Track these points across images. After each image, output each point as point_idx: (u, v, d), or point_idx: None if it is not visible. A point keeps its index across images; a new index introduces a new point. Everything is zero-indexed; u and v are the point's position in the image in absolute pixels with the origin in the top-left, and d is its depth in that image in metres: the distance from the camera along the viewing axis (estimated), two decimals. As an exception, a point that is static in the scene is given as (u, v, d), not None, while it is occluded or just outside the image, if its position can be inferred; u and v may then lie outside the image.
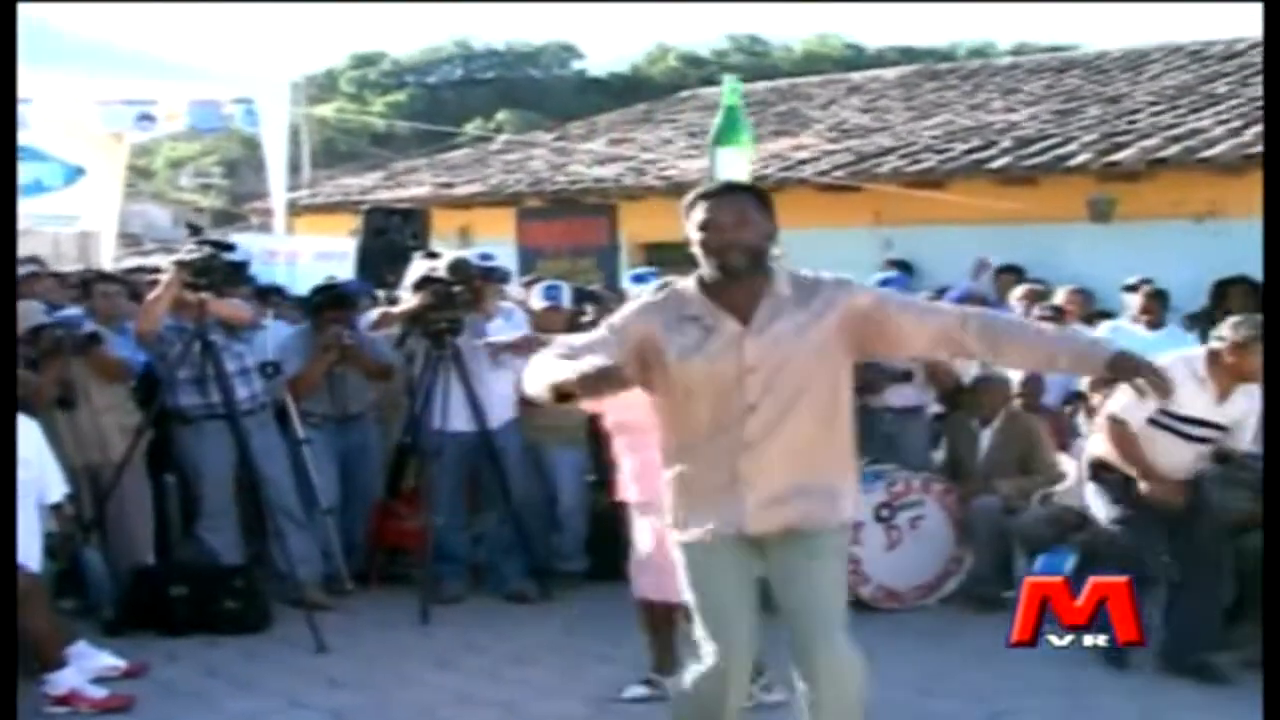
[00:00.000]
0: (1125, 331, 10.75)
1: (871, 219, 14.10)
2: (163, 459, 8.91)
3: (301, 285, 10.47)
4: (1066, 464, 9.16)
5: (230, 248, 8.64)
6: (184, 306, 8.36)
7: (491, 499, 9.13)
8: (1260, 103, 14.85)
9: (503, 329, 9.07)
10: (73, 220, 15.39)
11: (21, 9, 8.32)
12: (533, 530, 9.11)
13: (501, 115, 49.20)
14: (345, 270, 11.30)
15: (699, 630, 4.85)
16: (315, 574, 8.85)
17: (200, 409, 8.55)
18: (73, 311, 8.82)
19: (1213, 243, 12.29)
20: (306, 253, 12.53)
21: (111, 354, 8.55)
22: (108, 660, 7.34)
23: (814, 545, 4.70)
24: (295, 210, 17.28)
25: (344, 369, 9.18)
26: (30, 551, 6.89)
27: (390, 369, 9.39)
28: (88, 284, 9.75)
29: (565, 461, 9.34)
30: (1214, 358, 7.14)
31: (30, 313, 8.19)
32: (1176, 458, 7.25)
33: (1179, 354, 7.28)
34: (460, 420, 8.79)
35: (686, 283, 4.81)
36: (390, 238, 11.56)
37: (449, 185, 19.24)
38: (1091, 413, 9.56)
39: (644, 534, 6.61)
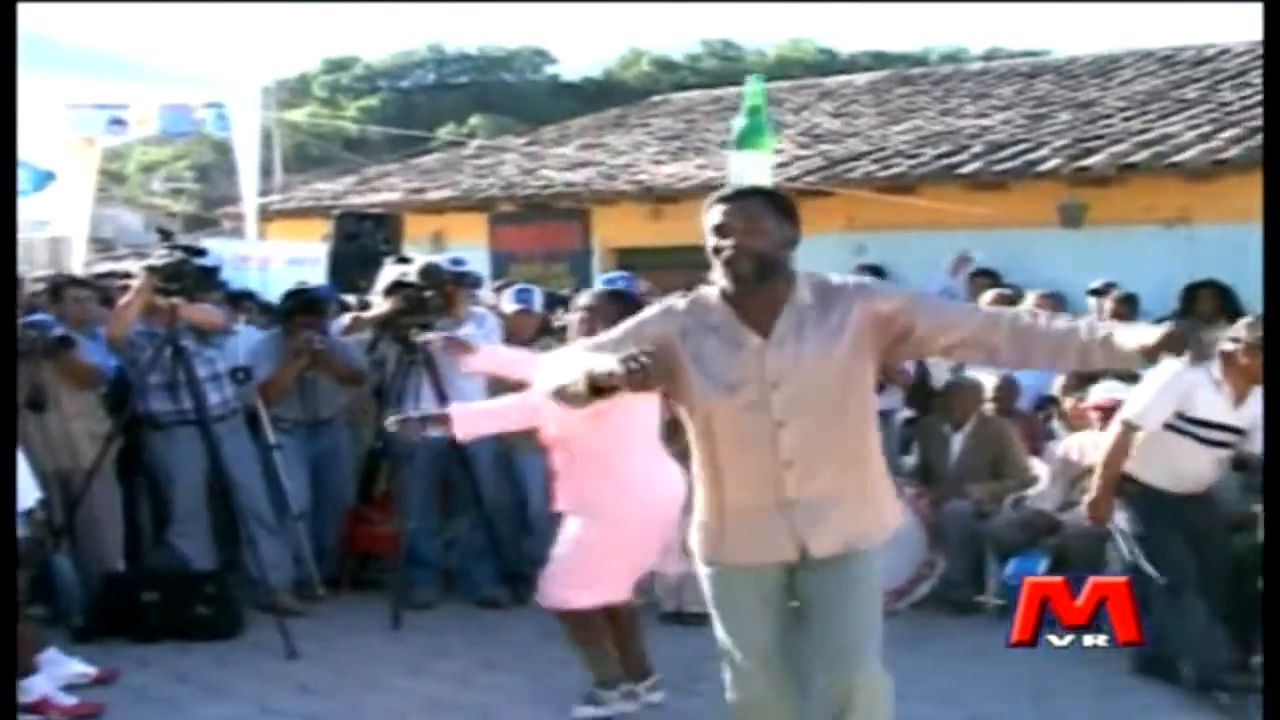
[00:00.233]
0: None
1: (844, 224, 14.12)
2: (134, 465, 8.88)
3: (273, 290, 10.46)
4: (1039, 468, 9.20)
5: (201, 253, 8.62)
6: (155, 312, 8.34)
7: (463, 504, 9.13)
8: (1230, 108, 14.94)
9: (474, 334, 9.05)
10: (43, 225, 15.31)
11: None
12: (504, 535, 9.10)
13: (474, 120, 49.19)
14: (317, 275, 11.28)
15: (725, 659, 4.70)
16: (287, 580, 8.83)
17: (172, 414, 8.53)
18: (44, 317, 8.79)
19: (1183, 248, 12.35)
20: (278, 258, 12.52)
21: (83, 359, 8.52)
22: (78, 667, 7.32)
23: (858, 563, 4.51)
24: (267, 215, 17.25)
25: (315, 374, 9.17)
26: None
27: (361, 374, 9.38)
28: (59, 289, 9.71)
29: (536, 466, 9.27)
30: (1228, 360, 6.93)
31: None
32: (1196, 463, 7.08)
33: (1184, 361, 7.17)
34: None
35: (710, 290, 4.59)
36: (362, 243, 11.54)
37: (421, 190, 19.21)
38: (1064, 417, 9.61)
39: (571, 539, 6.55)
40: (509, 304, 9.79)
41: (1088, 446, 8.88)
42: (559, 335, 9.87)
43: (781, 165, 15.99)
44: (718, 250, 4.49)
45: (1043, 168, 13.69)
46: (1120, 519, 7.22)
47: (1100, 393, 8.92)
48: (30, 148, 14.32)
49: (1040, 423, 9.98)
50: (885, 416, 9.46)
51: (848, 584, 4.48)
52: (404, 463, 8.84)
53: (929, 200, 13.42)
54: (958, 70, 23.56)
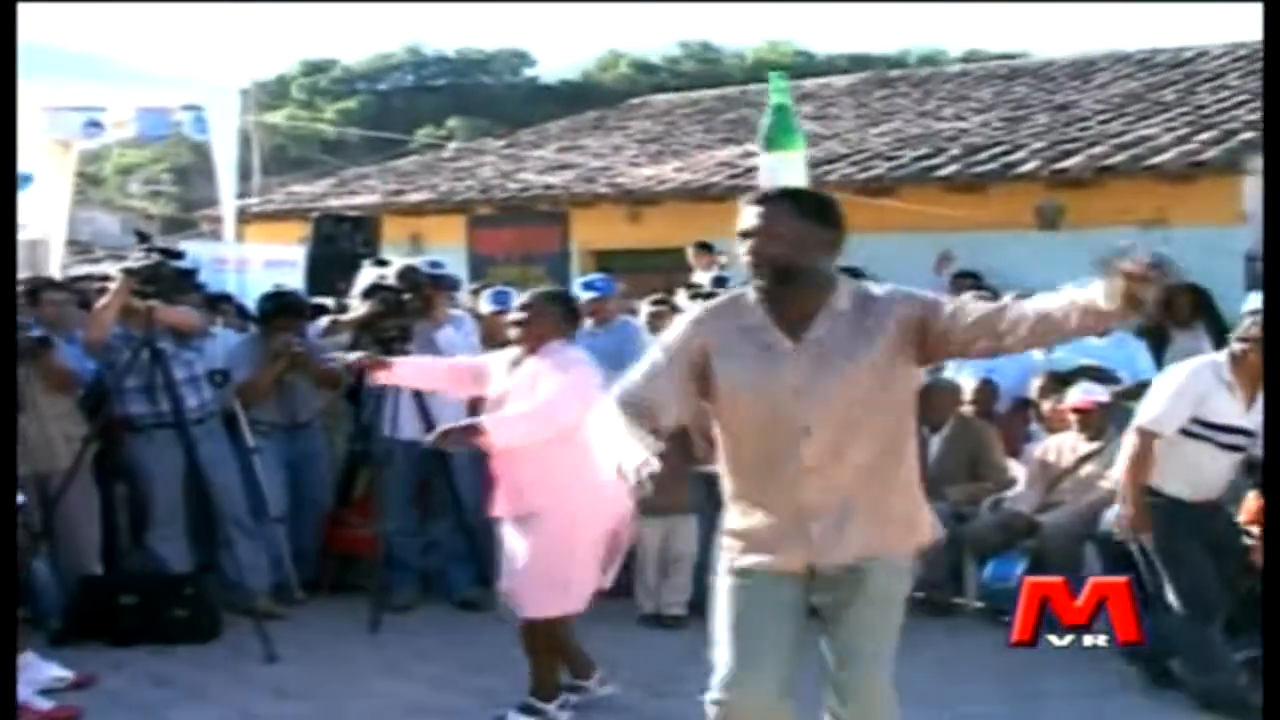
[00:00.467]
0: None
1: (822, 226, 14.12)
2: (111, 468, 8.86)
3: (251, 293, 10.44)
4: (1017, 470, 9.21)
5: (179, 255, 8.60)
6: (132, 314, 8.31)
7: (442, 507, 9.11)
8: (1207, 111, 15.00)
9: (453, 337, 9.05)
10: (20, 228, 15.26)
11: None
12: (483, 538, 9.09)
13: (452, 122, 49.21)
14: (295, 278, 11.26)
15: (720, 657, 4.48)
16: (265, 583, 8.82)
17: (149, 417, 8.51)
18: (21, 319, 8.76)
19: (1160, 250, 12.36)
20: (256, 260, 12.50)
21: (61, 362, 8.49)
22: (55, 671, 7.29)
23: (877, 577, 4.41)
24: (245, 217, 17.22)
25: (293, 377, 9.15)
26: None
27: (339, 377, 9.36)
28: (36, 292, 9.67)
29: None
30: (1237, 360, 6.78)
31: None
32: (1214, 469, 6.89)
33: (1204, 360, 7.03)
34: (410, 428, 8.77)
35: (749, 290, 4.46)
36: (340, 245, 11.53)
37: (399, 192, 19.21)
38: (1042, 419, 9.63)
39: (520, 549, 6.51)
40: (486, 306, 9.79)
41: (1065, 448, 8.92)
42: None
43: (759, 168, 16.01)
44: (742, 254, 4.40)
45: (1020, 170, 13.73)
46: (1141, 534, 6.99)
47: (1077, 394, 8.95)
48: (7, 150, 14.28)
49: (1018, 425, 10.00)
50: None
51: (861, 599, 4.39)
52: (383, 465, 8.83)
53: (907, 202, 13.44)
54: (936, 73, 23.63)
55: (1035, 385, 9.80)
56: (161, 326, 8.32)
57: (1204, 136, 13.60)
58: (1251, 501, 7.31)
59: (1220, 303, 11.09)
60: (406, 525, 9.08)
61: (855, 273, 12.61)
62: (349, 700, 7.19)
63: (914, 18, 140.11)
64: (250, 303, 10.28)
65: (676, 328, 4.61)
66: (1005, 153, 14.42)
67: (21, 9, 7.00)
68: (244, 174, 18.21)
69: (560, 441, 6.21)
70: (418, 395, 8.67)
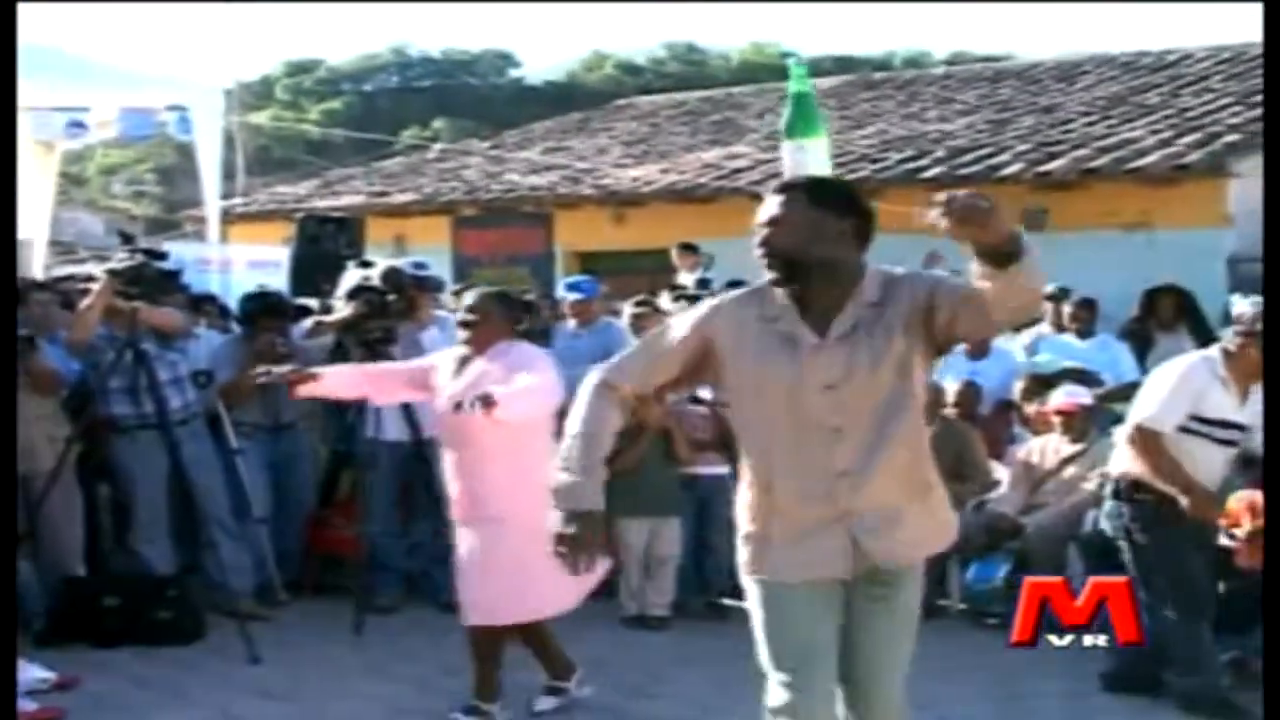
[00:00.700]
0: (1051, 339, 10.86)
1: (807, 228, 14.13)
2: (95, 469, 8.84)
3: (236, 294, 10.43)
4: (1000, 472, 9.23)
5: (162, 256, 8.58)
6: (116, 315, 8.29)
7: (426, 508, 9.09)
8: (1191, 114, 15.04)
9: (437, 338, 9.04)
10: (3, 228, 15.22)
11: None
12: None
13: (438, 123, 49.15)
14: (279, 279, 11.25)
15: (771, 674, 4.26)
16: (248, 584, 8.81)
17: (133, 418, 8.49)
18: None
19: (1143, 252, 12.42)
20: (239, 261, 12.48)
21: (45, 363, 8.47)
22: (38, 673, 7.27)
23: (908, 586, 4.34)
24: (229, 218, 17.20)
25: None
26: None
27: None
28: (19, 293, 9.65)
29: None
30: (1230, 356, 6.69)
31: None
32: (1209, 464, 6.75)
33: (1197, 356, 6.96)
34: (394, 429, 8.77)
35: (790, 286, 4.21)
36: (324, 246, 11.50)
37: (384, 193, 19.20)
38: (1026, 420, 9.65)
39: (481, 555, 6.45)
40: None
41: (1048, 450, 8.93)
42: (521, 338, 9.88)
43: (744, 169, 16.04)
44: (756, 245, 4.21)
45: (1005, 172, 13.77)
46: (1135, 530, 6.90)
47: (1060, 397, 8.97)
48: (-10, 151, 14.25)
49: (1001, 427, 10.02)
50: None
51: (887, 609, 4.30)
52: (366, 466, 8.83)
53: (892, 205, 13.44)
54: (921, 75, 23.68)
55: (1018, 387, 9.83)
56: (145, 327, 8.30)
57: (1188, 139, 13.64)
58: (1233, 503, 7.32)
59: (1203, 305, 11.12)
60: (390, 527, 9.08)
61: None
62: (332, 701, 7.18)
63: (899, 19, 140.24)
64: (233, 304, 10.26)
65: (694, 311, 4.44)
66: (990, 155, 14.45)
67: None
68: (228, 174, 18.19)
69: (523, 445, 6.21)
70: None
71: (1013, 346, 10.74)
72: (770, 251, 4.14)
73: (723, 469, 8.84)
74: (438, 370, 6.70)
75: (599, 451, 4.36)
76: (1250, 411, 6.68)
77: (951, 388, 9.45)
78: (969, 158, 14.51)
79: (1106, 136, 14.49)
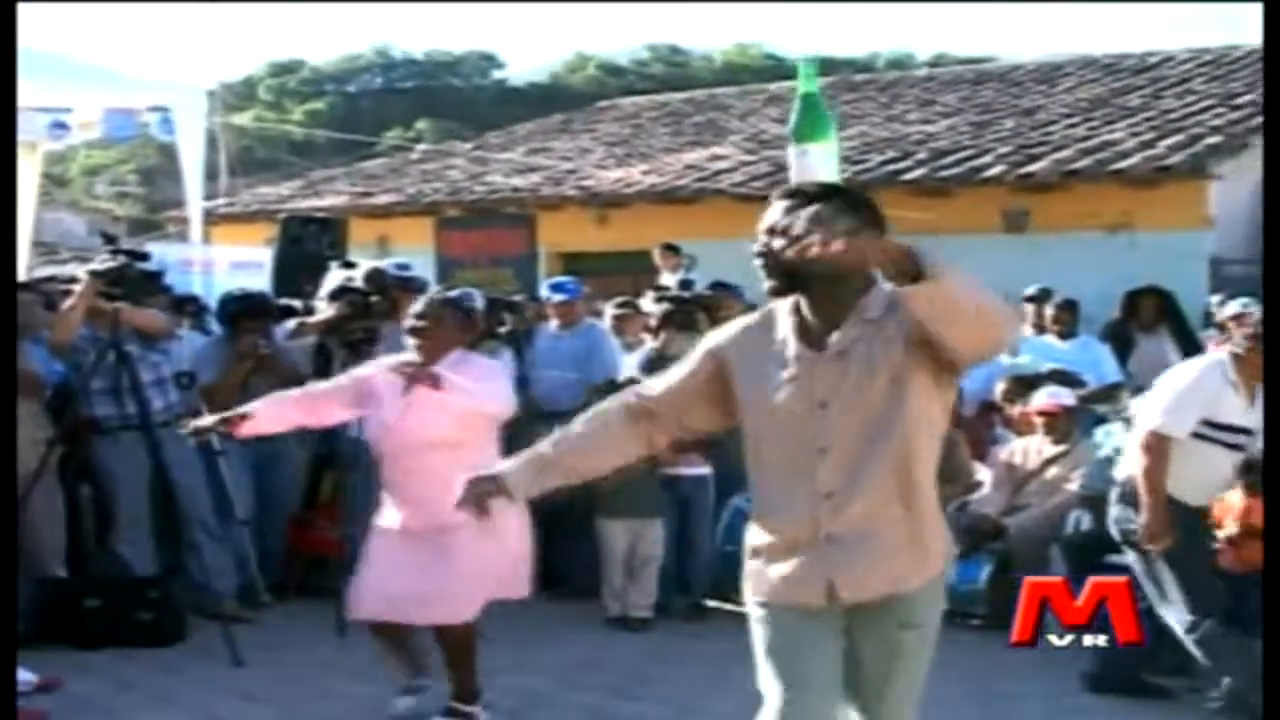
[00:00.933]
0: (1033, 341, 10.89)
1: (789, 229, 14.16)
2: (77, 470, 8.82)
3: (218, 295, 10.41)
4: (982, 473, 9.25)
5: (144, 257, 8.57)
6: (98, 316, 8.28)
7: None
8: (1172, 116, 15.08)
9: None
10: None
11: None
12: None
13: (420, 124, 49.09)
14: (261, 280, 11.24)
15: (766, 696, 4.10)
16: (231, 586, 8.79)
17: (115, 419, 8.48)
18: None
19: (1125, 254, 12.45)
20: (222, 262, 12.47)
21: (27, 364, 8.45)
22: (20, 674, 7.24)
23: (906, 612, 4.04)
24: (212, 219, 17.18)
25: (259, 379, 9.12)
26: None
27: (305, 380, 9.34)
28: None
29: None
30: (1240, 359, 6.57)
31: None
32: (1217, 470, 6.58)
33: (1209, 360, 6.86)
34: (377, 430, 8.76)
35: (789, 297, 4.06)
36: (307, 247, 11.50)
37: (367, 194, 19.19)
38: (1008, 421, 9.67)
39: (428, 563, 6.37)
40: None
41: (1031, 451, 8.96)
42: (504, 339, 9.90)
43: (727, 171, 16.06)
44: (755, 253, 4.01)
45: (987, 174, 13.79)
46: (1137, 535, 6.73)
47: (1043, 398, 8.99)
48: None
49: (984, 428, 10.04)
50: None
51: (887, 637, 4.05)
52: (349, 468, 8.82)
53: (874, 206, 13.48)
54: (903, 77, 23.72)
55: (1000, 388, 9.84)
56: (128, 328, 8.29)
57: (1169, 141, 13.68)
58: (1217, 507, 7.35)
59: (1185, 306, 11.16)
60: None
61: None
62: (315, 703, 7.18)
63: (882, 21, 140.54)
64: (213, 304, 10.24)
65: (715, 334, 4.29)
66: (971, 157, 14.48)
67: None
68: (211, 175, 18.16)
69: (473, 451, 6.10)
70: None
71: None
72: (768, 262, 3.93)
73: (704, 470, 8.87)
74: (379, 379, 6.56)
75: (564, 445, 4.27)
76: (1255, 415, 6.57)
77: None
78: (951, 159, 14.53)
79: (1088, 138, 14.53)
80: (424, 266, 12.12)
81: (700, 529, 8.98)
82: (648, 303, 10.46)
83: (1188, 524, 6.59)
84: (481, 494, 4.28)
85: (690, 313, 9.66)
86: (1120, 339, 10.98)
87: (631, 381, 8.67)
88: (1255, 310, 7.33)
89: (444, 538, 6.24)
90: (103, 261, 8.30)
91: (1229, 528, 6.56)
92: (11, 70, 7.11)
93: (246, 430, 6.65)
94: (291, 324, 9.45)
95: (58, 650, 7.89)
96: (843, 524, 3.94)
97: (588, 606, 8.82)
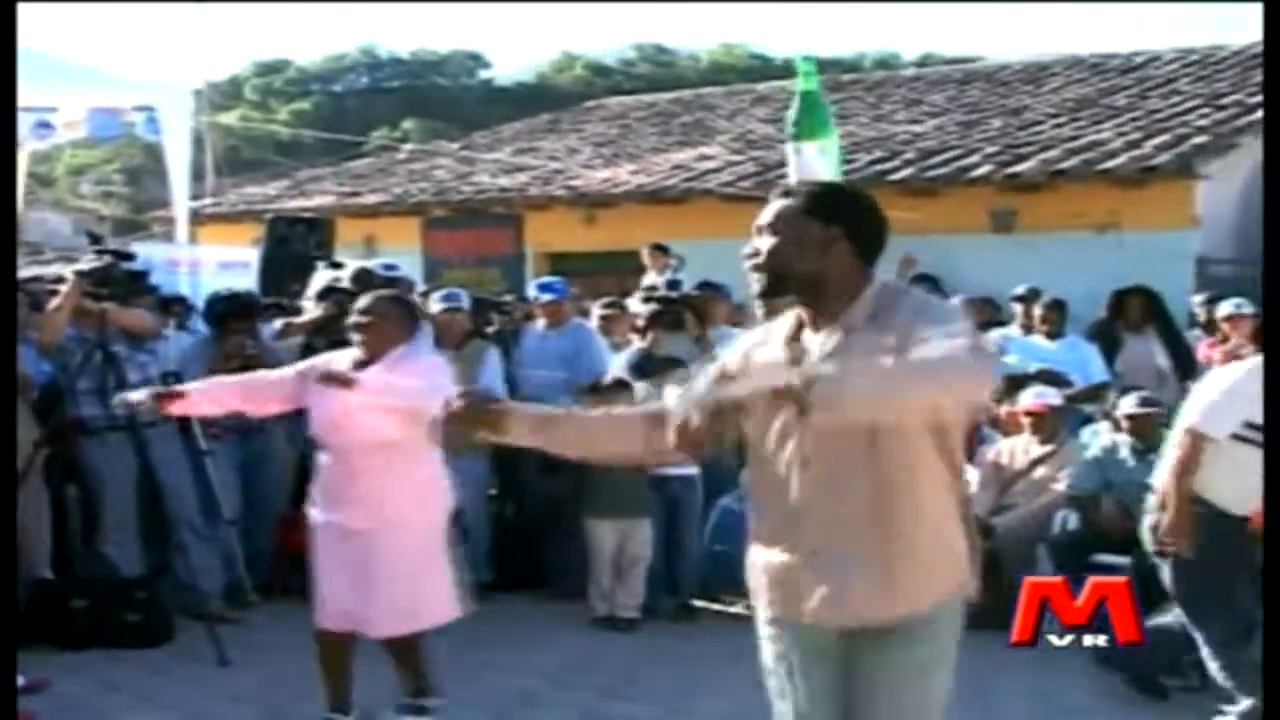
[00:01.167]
0: (1020, 341, 10.90)
1: (777, 229, 14.16)
2: (63, 470, 8.80)
3: (204, 295, 10.41)
4: (970, 473, 9.24)
5: (130, 257, 8.56)
6: (85, 316, 8.27)
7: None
8: (1159, 116, 15.10)
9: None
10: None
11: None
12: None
13: (407, 124, 49.09)
14: (248, 280, 11.22)
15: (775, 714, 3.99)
16: (218, 586, 8.78)
17: (102, 420, 8.46)
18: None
19: (1112, 253, 12.47)
20: (209, 262, 12.44)
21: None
22: (6, 675, 7.24)
23: (892, 648, 3.76)
24: (198, 219, 17.15)
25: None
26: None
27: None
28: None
29: (468, 471, 9.32)
30: None
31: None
32: (1253, 471, 6.10)
33: (1253, 361, 6.47)
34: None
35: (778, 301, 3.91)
36: (294, 247, 11.49)
37: (354, 194, 19.16)
38: (995, 421, 9.67)
39: (374, 563, 6.30)
40: (436, 305, 9.77)
41: (1018, 451, 8.96)
42: (492, 339, 9.89)
43: (714, 171, 16.05)
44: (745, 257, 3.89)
45: (974, 174, 13.80)
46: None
47: (1030, 398, 9.00)
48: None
49: (971, 427, 10.03)
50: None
51: (878, 664, 3.78)
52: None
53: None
54: (890, 76, 23.74)
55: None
56: (115, 328, 8.28)
57: (1156, 141, 13.70)
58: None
59: (1172, 306, 11.18)
60: (360, 528, 9.04)
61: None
62: (302, 704, 7.14)
63: (869, 21, 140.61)
64: (201, 304, 10.23)
65: (724, 353, 4.13)
66: (959, 157, 14.48)
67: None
68: (197, 175, 18.12)
69: (420, 450, 6.11)
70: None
71: (982, 348, 10.76)
72: (755, 264, 3.81)
73: (692, 470, 8.86)
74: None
75: (573, 416, 4.32)
76: None
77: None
78: (938, 159, 14.54)
79: (1075, 138, 14.54)
80: (411, 266, 12.10)
81: (688, 529, 8.98)
82: (635, 303, 10.46)
83: (1223, 532, 6.26)
84: (477, 414, 3.99)
85: (678, 313, 9.65)
86: (1107, 339, 10.99)
87: (618, 381, 8.72)
88: (1248, 310, 7.24)
89: (387, 538, 6.23)
90: (89, 261, 8.29)
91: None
92: (12, 70, 7.09)
93: (179, 410, 6.64)
94: (278, 324, 9.44)
95: (45, 651, 7.87)
96: (823, 541, 3.73)
97: (576, 607, 8.81)
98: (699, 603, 8.98)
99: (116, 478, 8.57)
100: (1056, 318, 10.87)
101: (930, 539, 3.76)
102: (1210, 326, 10.92)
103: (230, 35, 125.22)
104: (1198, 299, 11.36)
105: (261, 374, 7.01)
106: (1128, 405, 8.38)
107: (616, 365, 9.44)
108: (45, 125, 13.11)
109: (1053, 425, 8.93)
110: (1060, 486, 8.60)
